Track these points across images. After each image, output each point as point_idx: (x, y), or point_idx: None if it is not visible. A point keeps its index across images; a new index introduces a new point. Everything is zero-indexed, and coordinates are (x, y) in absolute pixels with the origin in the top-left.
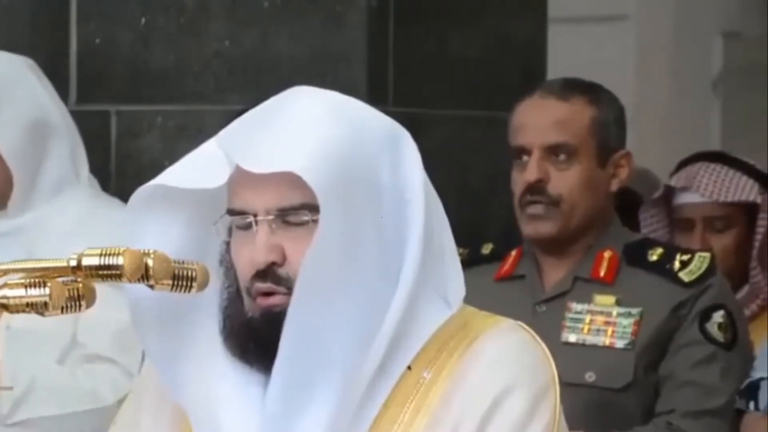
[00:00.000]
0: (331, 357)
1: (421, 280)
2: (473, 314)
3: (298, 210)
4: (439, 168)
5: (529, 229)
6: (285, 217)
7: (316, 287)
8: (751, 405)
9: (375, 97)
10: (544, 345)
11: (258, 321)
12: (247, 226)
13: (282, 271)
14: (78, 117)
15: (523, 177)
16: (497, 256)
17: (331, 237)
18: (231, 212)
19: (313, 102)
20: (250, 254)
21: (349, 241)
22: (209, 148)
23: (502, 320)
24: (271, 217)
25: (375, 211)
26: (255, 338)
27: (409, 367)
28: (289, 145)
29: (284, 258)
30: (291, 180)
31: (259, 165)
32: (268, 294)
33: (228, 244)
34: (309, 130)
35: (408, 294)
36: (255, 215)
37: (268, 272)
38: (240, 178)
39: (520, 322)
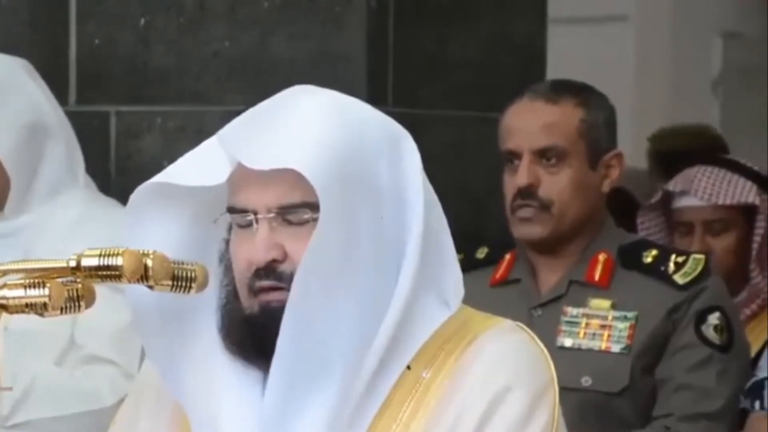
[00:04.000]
0: (330, 356)
1: (420, 280)
2: (472, 315)
3: (299, 208)
4: (438, 168)
5: (520, 232)
6: (285, 215)
7: (314, 284)
8: (756, 404)
9: (375, 98)
10: (542, 346)
11: (257, 317)
12: (248, 224)
13: (283, 267)
14: (77, 117)
15: (513, 181)
16: (492, 260)
17: (330, 234)
18: (231, 210)
19: (316, 101)
20: (250, 252)
21: (347, 239)
22: (210, 145)
23: (501, 321)
24: (271, 215)
25: (374, 211)
26: (253, 334)
27: (408, 367)
28: (291, 142)
29: (285, 255)
30: (292, 178)
31: (260, 162)
32: (271, 290)
33: (227, 242)
34: (311, 129)
35: (407, 293)
36: (256, 213)
37: (268, 269)
38: (241, 176)
39: (519, 323)
